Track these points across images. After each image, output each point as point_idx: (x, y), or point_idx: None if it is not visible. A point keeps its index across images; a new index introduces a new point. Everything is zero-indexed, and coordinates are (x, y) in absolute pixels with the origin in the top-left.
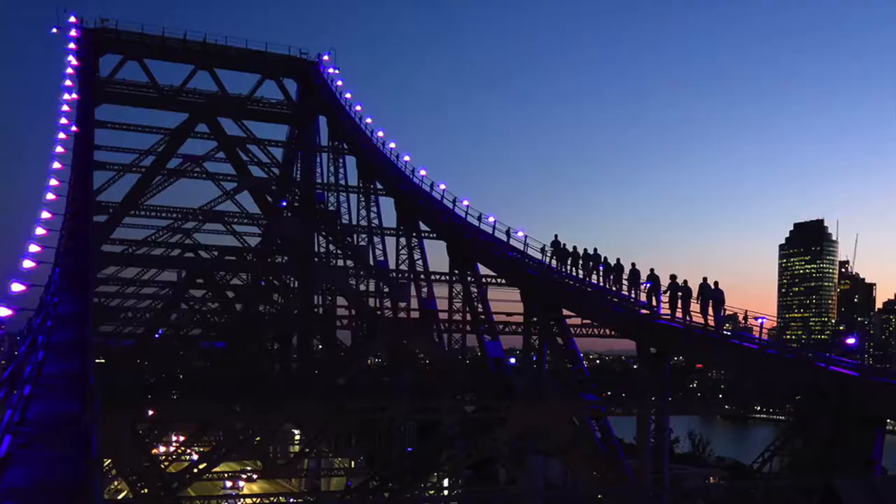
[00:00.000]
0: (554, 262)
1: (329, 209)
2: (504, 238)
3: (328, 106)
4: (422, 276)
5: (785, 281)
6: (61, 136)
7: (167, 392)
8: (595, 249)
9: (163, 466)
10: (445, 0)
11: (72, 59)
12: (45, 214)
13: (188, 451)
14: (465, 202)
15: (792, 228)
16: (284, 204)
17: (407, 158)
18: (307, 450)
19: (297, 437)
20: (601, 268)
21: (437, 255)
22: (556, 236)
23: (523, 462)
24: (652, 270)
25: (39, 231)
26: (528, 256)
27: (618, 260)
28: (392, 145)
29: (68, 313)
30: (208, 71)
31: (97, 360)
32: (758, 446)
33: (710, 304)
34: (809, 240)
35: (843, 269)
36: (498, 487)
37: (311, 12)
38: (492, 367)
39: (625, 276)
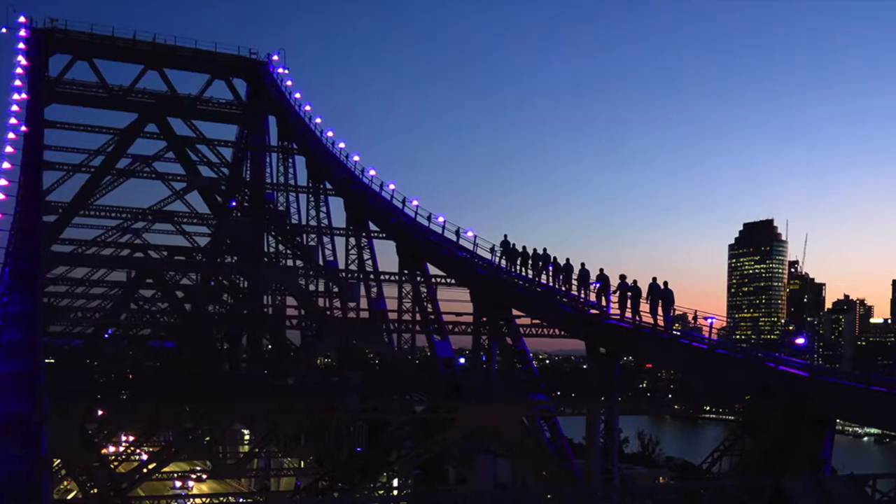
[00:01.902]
0: (503, 262)
1: (278, 209)
2: (454, 238)
3: (278, 106)
4: (371, 276)
5: (734, 281)
6: (11, 136)
7: (117, 392)
8: (545, 249)
9: (112, 466)
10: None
11: (21, 60)
12: None
13: (138, 450)
14: (415, 202)
15: (742, 228)
16: (234, 204)
17: (356, 158)
18: (256, 450)
19: (247, 437)
20: (550, 268)
21: (387, 255)
22: (505, 236)
23: (472, 462)
24: (601, 270)
25: None
26: (477, 256)
27: (567, 260)
28: (342, 145)
29: (17, 313)
30: (158, 71)
31: (46, 360)
32: (707, 446)
33: (660, 304)
34: (759, 240)
35: (793, 269)
36: (447, 487)
37: (261, 12)
38: (441, 367)
39: (574, 276)
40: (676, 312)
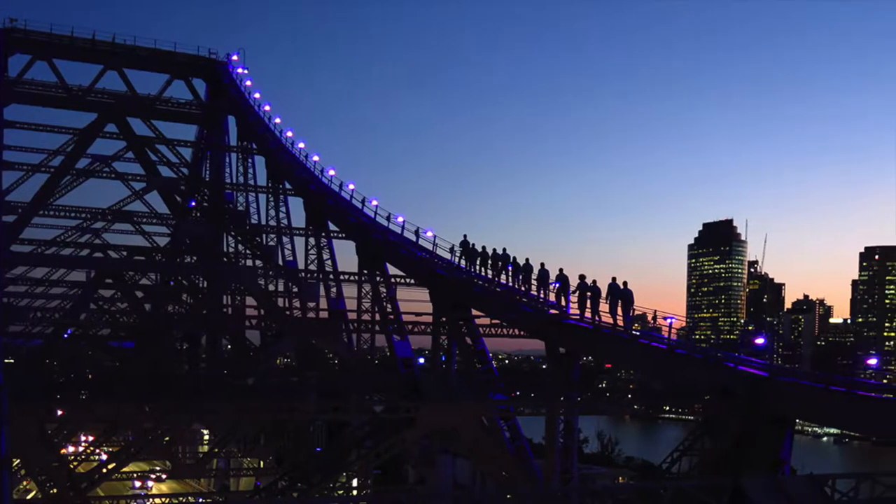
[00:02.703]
0: (463, 262)
1: (238, 209)
2: (413, 238)
3: (237, 106)
4: (331, 276)
5: (694, 281)
6: None
7: (76, 392)
8: (504, 249)
9: (72, 466)
10: None
11: None
12: None
13: (97, 451)
14: (374, 202)
15: (701, 228)
16: (193, 204)
17: (316, 158)
18: (216, 450)
19: (206, 438)
20: (510, 268)
21: (346, 254)
22: (465, 236)
23: (432, 462)
24: (561, 270)
25: None
26: (437, 256)
27: (527, 260)
28: (301, 145)
29: None
30: (117, 71)
31: (5, 361)
32: (667, 446)
33: (620, 304)
34: (718, 240)
35: (753, 269)
36: (407, 487)
37: (221, 12)
38: (401, 367)
39: (534, 276)
40: (636, 312)
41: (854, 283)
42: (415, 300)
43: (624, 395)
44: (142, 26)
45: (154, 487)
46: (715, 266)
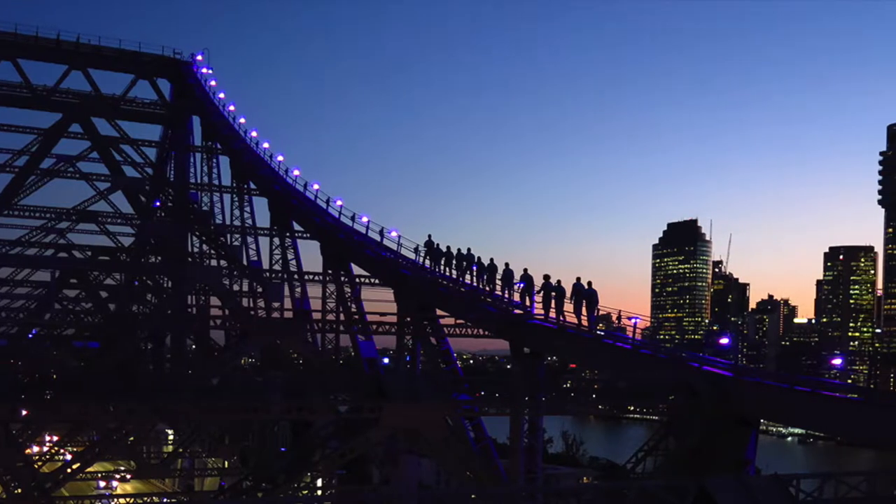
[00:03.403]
0: (427, 262)
1: (202, 209)
2: (378, 238)
3: (202, 106)
4: (295, 276)
5: (658, 281)
6: None
7: (40, 392)
8: (469, 249)
9: (36, 466)
10: None
11: None
12: None
13: (62, 451)
14: (339, 202)
15: (665, 228)
16: (158, 204)
17: (280, 158)
18: (181, 450)
19: (171, 438)
20: (474, 268)
21: (311, 255)
22: (429, 236)
23: (396, 462)
24: (525, 270)
25: None
26: (401, 256)
27: (491, 260)
28: (266, 145)
29: None
30: (82, 71)
31: None
32: (631, 446)
33: (584, 304)
34: (683, 240)
35: (717, 269)
36: (371, 487)
37: (185, 12)
38: (365, 367)
39: (498, 276)
40: (600, 312)
41: (818, 283)
42: (379, 300)
43: (588, 395)
44: (106, 26)
45: (119, 487)
46: (679, 266)
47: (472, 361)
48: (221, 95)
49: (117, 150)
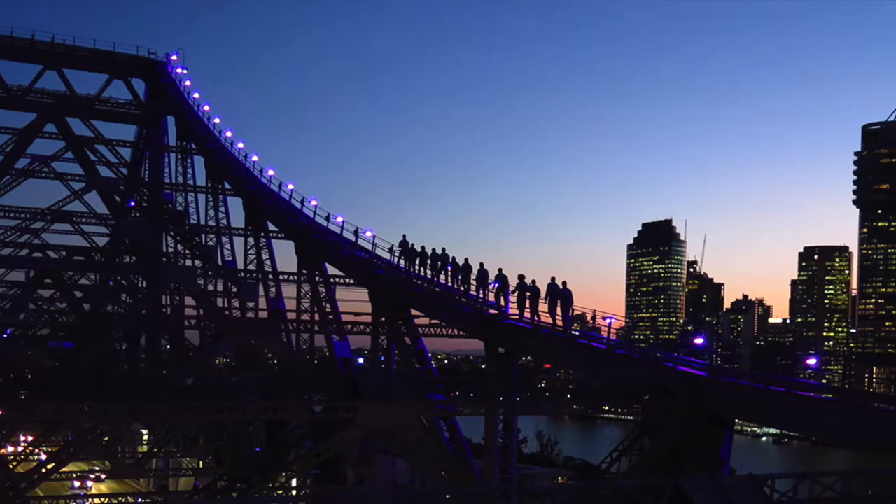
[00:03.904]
0: (402, 262)
1: (177, 209)
2: (352, 238)
3: (176, 106)
4: (270, 277)
5: (633, 281)
6: None
7: (15, 392)
8: (443, 249)
9: (11, 466)
10: None
11: None
12: None
13: (36, 451)
14: (314, 202)
15: (640, 228)
16: (133, 204)
17: (255, 158)
18: (155, 450)
19: (146, 437)
20: (449, 268)
21: (286, 255)
22: (404, 236)
23: (371, 462)
24: (500, 270)
25: None
26: (376, 256)
27: (466, 260)
28: (240, 145)
29: None
30: (56, 71)
31: None
32: (606, 446)
33: (559, 304)
34: (658, 240)
35: (692, 269)
36: (346, 487)
37: (160, 11)
38: (340, 367)
39: (473, 276)
40: (575, 312)
41: (793, 283)
42: (354, 300)
43: (563, 395)
44: (81, 26)
45: (93, 487)
46: (654, 266)
47: (446, 361)
48: (196, 95)
49: (92, 150)
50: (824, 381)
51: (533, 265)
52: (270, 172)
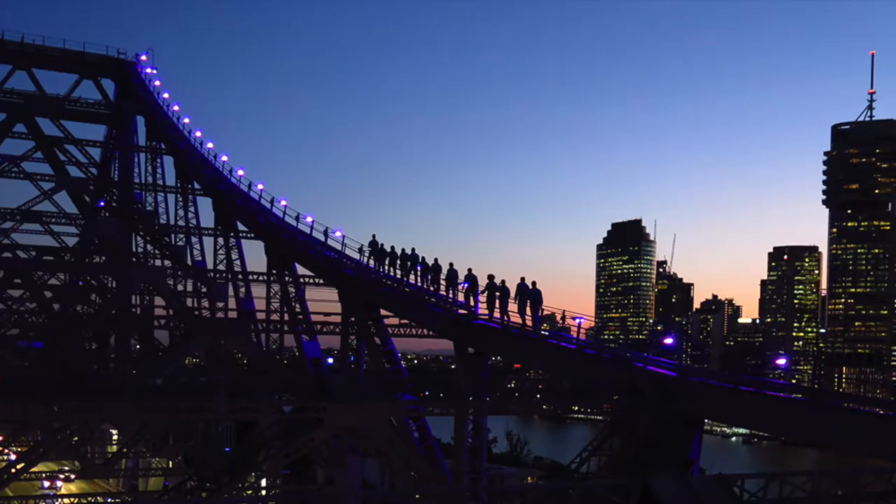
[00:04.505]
0: (372, 262)
1: (147, 209)
2: (322, 238)
3: (146, 106)
4: (239, 276)
5: (603, 281)
6: None
7: None
8: (413, 249)
9: None
10: None
11: None
12: None
13: (6, 451)
14: (283, 202)
15: (610, 228)
16: (102, 204)
17: (225, 158)
18: (125, 450)
19: (115, 438)
20: (419, 267)
21: (255, 255)
22: (373, 236)
23: (341, 462)
24: (470, 270)
25: None
26: (345, 256)
27: (435, 260)
28: (210, 145)
29: None
30: (26, 71)
31: None
32: (576, 446)
33: (528, 304)
34: (627, 240)
35: (661, 269)
36: (316, 487)
37: (129, 11)
38: (309, 367)
39: (442, 276)
40: (545, 312)
41: (763, 283)
42: (324, 300)
43: (533, 395)
44: (51, 26)
45: (63, 487)
46: (624, 266)
47: (416, 361)
48: (166, 95)
49: (62, 150)
50: (794, 381)
51: (502, 265)
52: (240, 172)
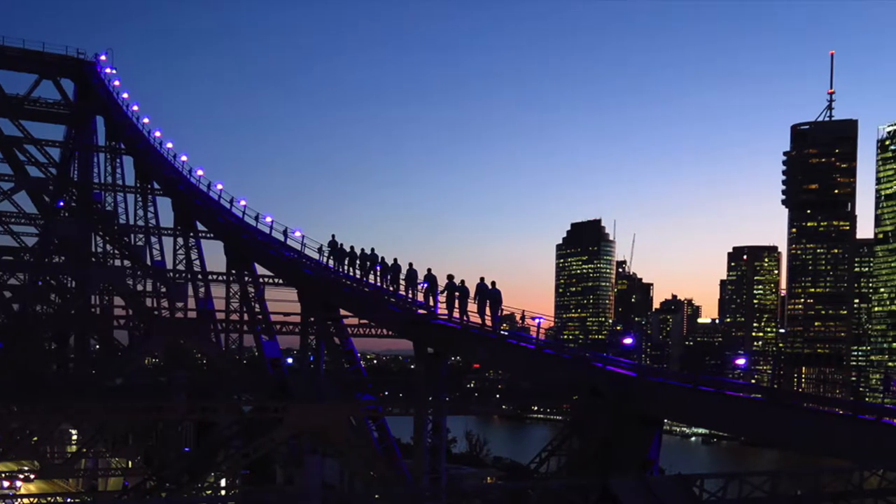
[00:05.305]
0: (331, 262)
1: (106, 209)
2: (281, 238)
3: (105, 106)
4: (199, 276)
5: (562, 281)
6: None
7: None
8: (372, 249)
9: None
10: None
11: None
12: None
13: None
14: (243, 202)
15: (569, 228)
16: (62, 204)
17: (184, 158)
18: (84, 450)
19: (75, 437)
20: (378, 268)
21: (215, 255)
22: (333, 236)
23: (300, 462)
24: (429, 270)
25: None
26: (305, 256)
27: (395, 260)
28: (169, 145)
29: None
30: None
31: None
32: (535, 446)
33: (488, 304)
34: (586, 239)
35: (621, 269)
36: (275, 487)
37: (88, 11)
38: (269, 367)
39: (402, 276)
40: (504, 312)
41: (722, 283)
42: (283, 300)
43: (492, 395)
44: (9, 26)
45: (22, 487)
46: (583, 266)
47: (375, 361)
48: (125, 95)
49: (21, 150)
50: (753, 380)
51: (462, 265)
52: (199, 172)
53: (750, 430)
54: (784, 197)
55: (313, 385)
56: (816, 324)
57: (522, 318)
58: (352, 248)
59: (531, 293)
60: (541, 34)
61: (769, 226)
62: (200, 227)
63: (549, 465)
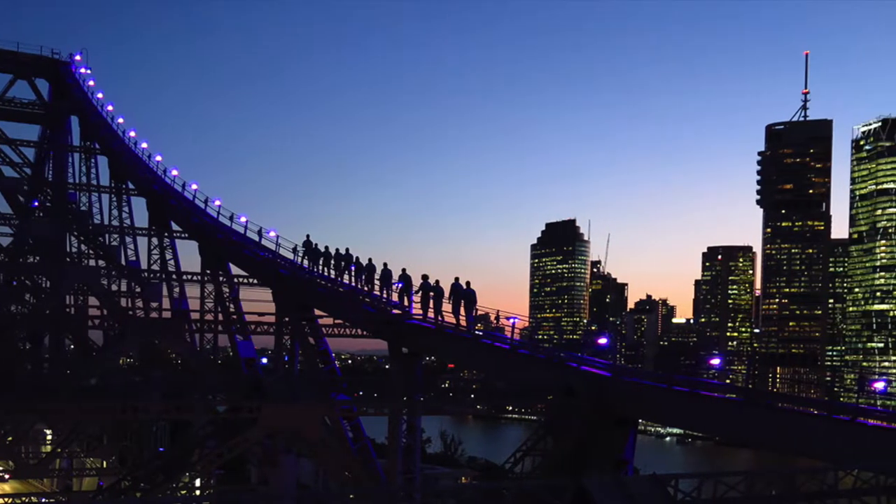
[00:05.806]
0: (306, 262)
1: (81, 209)
2: (256, 238)
3: (80, 106)
4: (174, 277)
5: (537, 281)
6: None
7: None
8: (347, 249)
9: None
10: None
11: None
12: None
13: None
14: (217, 202)
15: (544, 228)
16: (36, 204)
17: (159, 158)
18: (59, 450)
19: (49, 437)
20: (353, 268)
21: (190, 255)
22: (307, 236)
23: (275, 462)
24: (404, 270)
25: None
26: (280, 256)
27: (370, 260)
28: (144, 145)
29: None
30: None
31: None
32: (510, 446)
33: (462, 304)
34: (561, 239)
35: (595, 269)
36: (249, 487)
37: (63, 10)
38: (243, 367)
39: (377, 276)
40: (479, 312)
41: (697, 283)
42: (258, 300)
43: (467, 395)
44: None
45: None
46: (558, 266)
47: (350, 361)
48: (100, 95)
49: None
50: (728, 381)
51: (437, 265)
52: (174, 172)
53: (725, 430)
54: (759, 197)
55: (288, 385)
56: (791, 324)
57: (497, 318)
58: (326, 248)
59: (506, 293)
60: (516, 34)
61: (744, 226)
62: (175, 227)
63: (524, 465)
